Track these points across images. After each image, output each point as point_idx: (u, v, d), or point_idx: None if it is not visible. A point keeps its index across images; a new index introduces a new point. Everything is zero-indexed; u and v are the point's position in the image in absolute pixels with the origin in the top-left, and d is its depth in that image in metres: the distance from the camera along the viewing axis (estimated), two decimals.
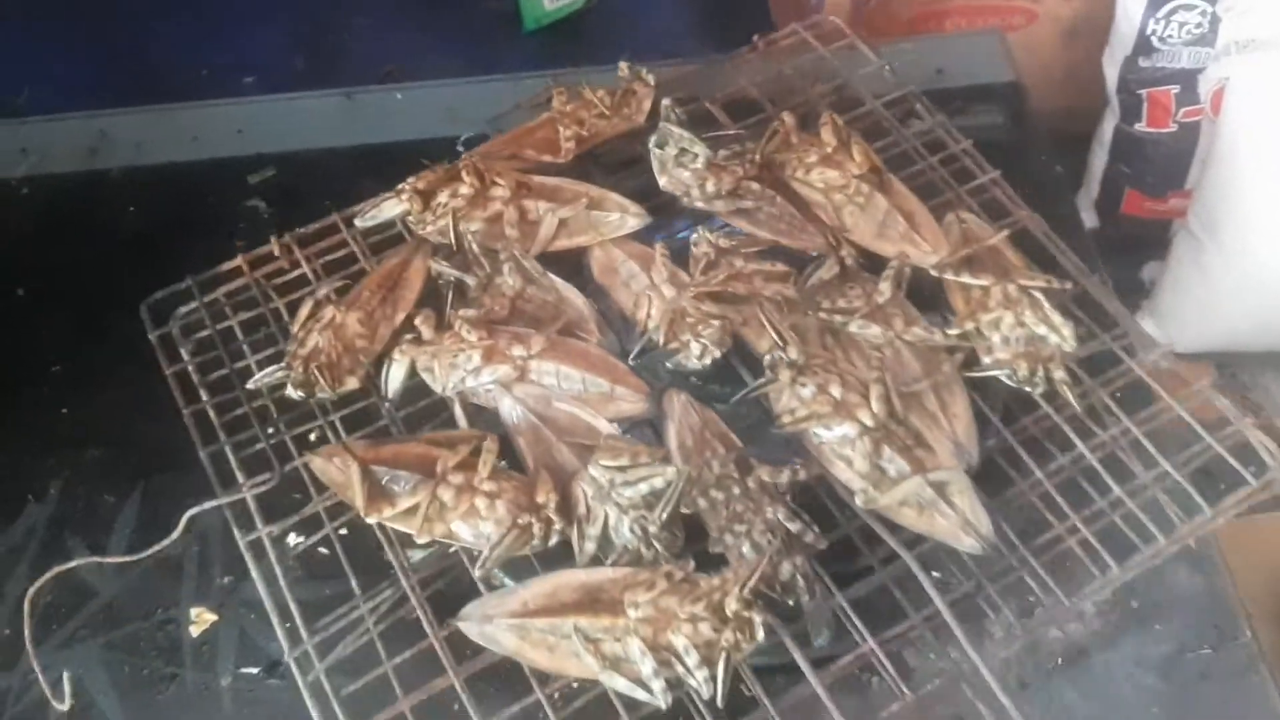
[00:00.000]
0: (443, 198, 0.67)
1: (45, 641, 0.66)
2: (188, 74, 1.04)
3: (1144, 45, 1.05)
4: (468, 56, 1.14)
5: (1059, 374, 0.59)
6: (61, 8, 1.08)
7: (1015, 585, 0.55)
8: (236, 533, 0.59)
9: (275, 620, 0.56)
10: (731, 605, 0.48)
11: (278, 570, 0.57)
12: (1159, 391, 0.59)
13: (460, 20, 1.18)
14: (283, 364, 0.62)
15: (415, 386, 0.62)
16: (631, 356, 0.61)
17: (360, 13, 1.17)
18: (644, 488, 0.52)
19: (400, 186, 0.67)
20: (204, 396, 0.63)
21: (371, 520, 0.56)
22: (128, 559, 0.65)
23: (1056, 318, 0.59)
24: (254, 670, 0.64)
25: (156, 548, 0.63)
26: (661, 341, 0.60)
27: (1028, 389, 0.59)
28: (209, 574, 0.68)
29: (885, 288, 0.61)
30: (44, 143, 0.92)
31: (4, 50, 0.98)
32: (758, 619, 0.49)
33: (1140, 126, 1.10)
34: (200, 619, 0.66)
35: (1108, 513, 0.56)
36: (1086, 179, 1.18)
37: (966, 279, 0.61)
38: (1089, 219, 1.19)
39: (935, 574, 0.55)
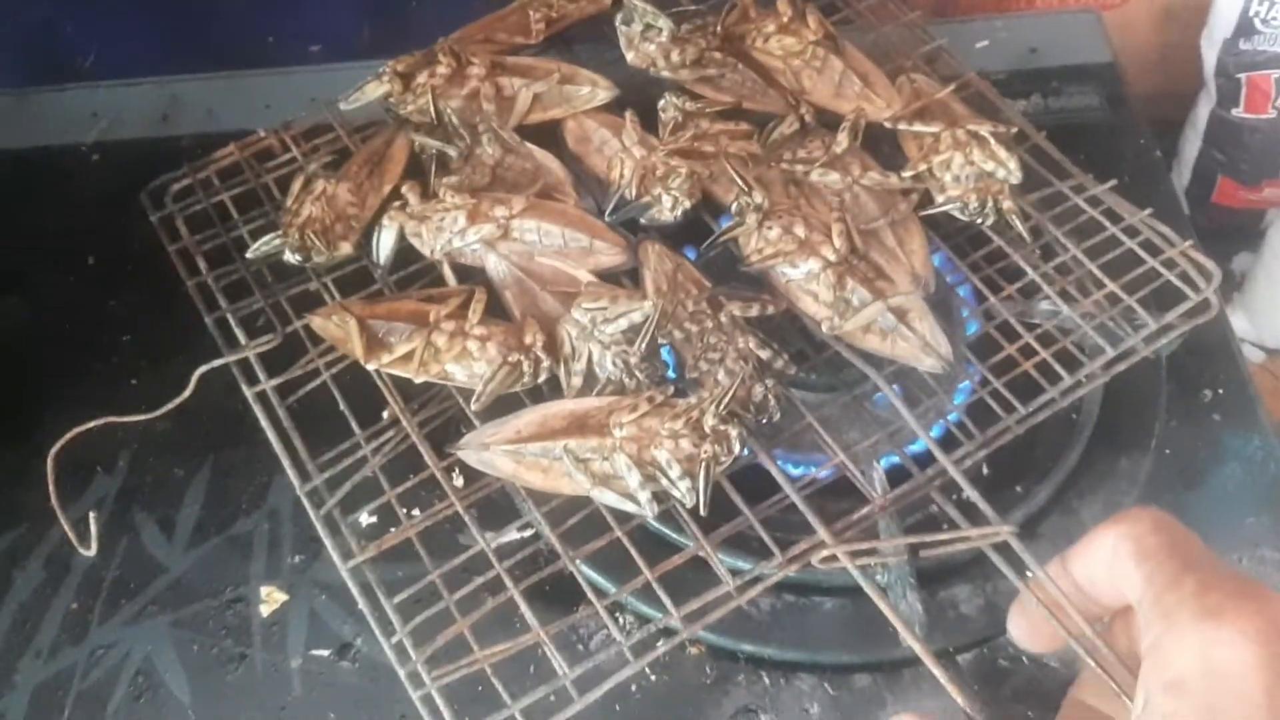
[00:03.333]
0: (421, 78, 0.69)
1: (113, 617, 0.66)
2: (254, 40, 1.02)
3: (1245, 27, 1.01)
4: None
5: (1007, 204, 0.62)
6: None
7: (976, 405, 0.58)
8: (243, 386, 0.60)
9: (285, 463, 0.57)
10: (709, 421, 0.52)
11: (282, 415, 0.59)
12: (1102, 221, 0.62)
13: None
14: (279, 232, 0.64)
15: (405, 251, 0.64)
16: (608, 214, 0.64)
17: None
18: (623, 323, 0.56)
19: (380, 70, 0.70)
20: (204, 268, 0.65)
21: (371, 367, 0.58)
22: (144, 416, 0.67)
23: (1002, 153, 0.62)
24: (325, 653, 0.64)
25: (171, 404, 0.66)
26: (634, 195, 0.63)
27: (979, 221, 0.62)
28: (279, 552, 0.68)
29: (843, 138, 0.64)
30: (115, 108, 0.91)
31: (69, 13, 0.97)
32: (734, 433, 0.52)
33: (1237, 112, 1.07)
34: (270, 598, 0.65)
35: (1058, 338, 0.59)
36: (1177, 166, 1.15)
37: (919, 127, 0.65)
38: None
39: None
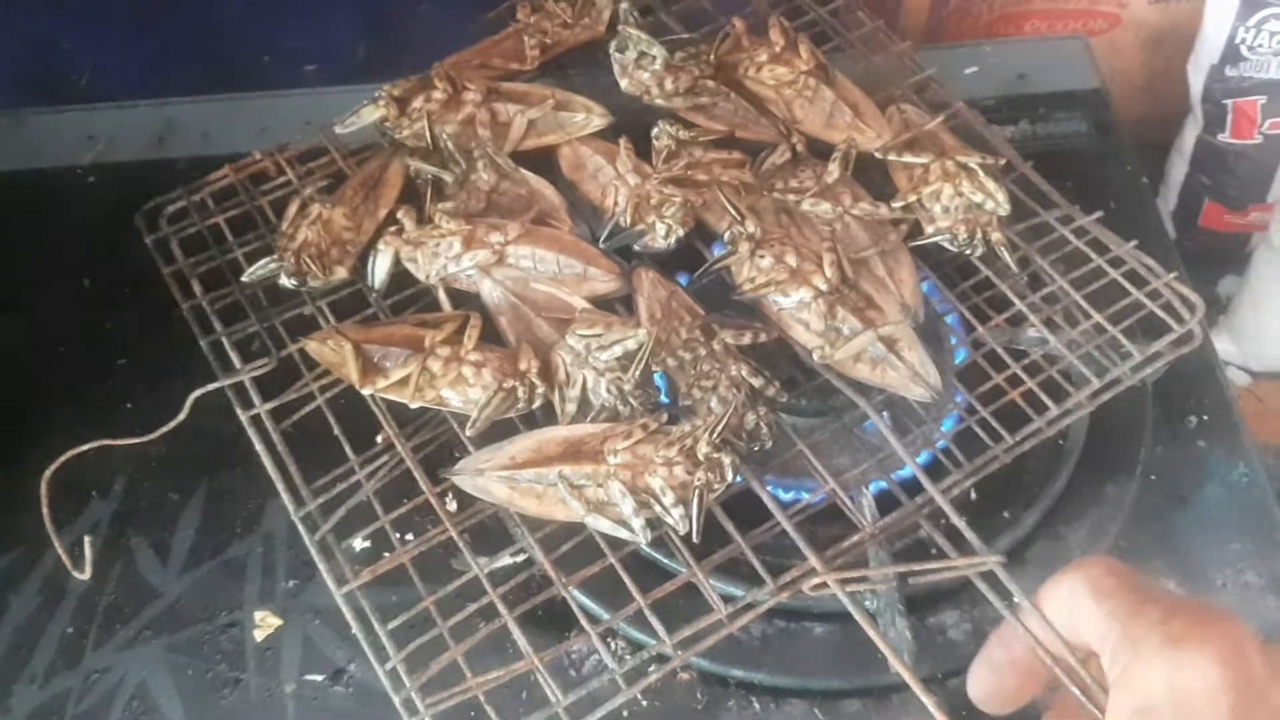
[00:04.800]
0: (417, 103, 0.69)
1: (107, 642, 0.66)
2: (250, 60, 1.02)
3: (1232, 54, 1.02)
4: None
5: (996, 235, 0.63)
6: None
7: (964, 433, 0.58)
8: (238, 410, 0.61)
9: (280, 488, 0.57)
10: (703, 449, 0.53)
11: (276, 439, 0.59)
12: (1088, 253, 0.63)
13: None
14: (274, 256, 0.64)
15: (400, 276, 0.64)
16: (602, 240, 0.64)
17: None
18: (617, 349, 0.56)
19: (376, 94, 0.70)
20: (198, 291, 0.66)
21: (366, 392, 0.58)
22: (139, 440, 0.68)
23: (990, 184, 0.63)
24: (318, 678, 0.64)
25: (166, 427, 0.66)
26: (628, 222, 0.63)
27: (967, 252, 0.63)
28: (273, 577, 0.68)
29: (834, 168, 0.65)
30: (111, 130, 0.92)
31: (63, 32, 0.97)
32: (727, 460, 0.53)
33: (1224, 137, 1.08)
34: (265, 623, 0.66)
35: (1044, 367, 0.60)
36: (1164, 190, 1.16)
37: (909, 158, 0.66)
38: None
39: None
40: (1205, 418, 0.73)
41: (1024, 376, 0.59)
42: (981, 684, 0.45)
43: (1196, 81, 1.07)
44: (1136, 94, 1.11)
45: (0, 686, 0.64)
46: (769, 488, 0.56)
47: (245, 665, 0.65)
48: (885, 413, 0.59)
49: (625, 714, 0.61)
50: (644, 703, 0.62)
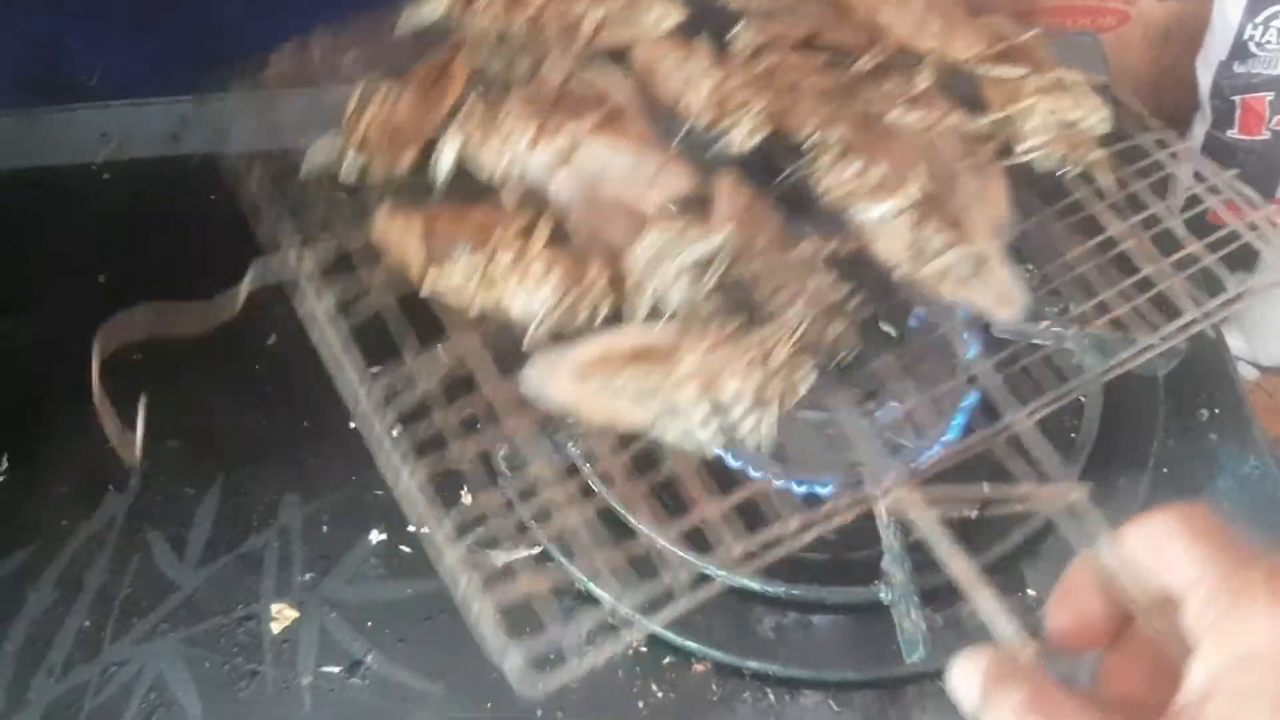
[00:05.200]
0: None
1: (124, 635, 0.66)
2: (261, 58, 1.02)
3: (1241, 50, 1.02)
4: None
5: (1094, 154, 0.60)
6: None
7: (1058, 352, 0.57)
8: (298, 300, 0.59)
9: (346, 375, 0.55)
10: (780, 356, 0.50)
11: (335, 331, 0.57)
12: (1184, 179, 0.62)
13: None
14: (337, 136, 0.62)
15: (462, 180, 0.62)
16: (677, 141, 0.61)
17: None
18: (695, 252, 0.53)
19: None
20: (257, 181, 0.64)
21: (426, 283, 0.56)
22: (194, 334, 0.64)
23: (1091, 99, 0.60)
24: (335, 669, 0.64)
25: (218, 321, 0.62)
26: (708, 121, 0.60)
27: (1061, 171, 0.60)
28: (289, 570, 0.68)
29: (924, 77, 0.62)
30: (125, 128, 0.92)
31: (74, 31, 0.97)
32: (804, 369, 0.50)
33: (1232, 133, 1.07)
34: (281, 615, 0.66)
35: (1135, 294, 0.58)
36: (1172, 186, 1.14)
37: (1003, 71, 0.62)
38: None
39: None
40: (1216, 411, 0.73)
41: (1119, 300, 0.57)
42: (1063, 615, 0.43)
43: (1205, 78, 1.07)
44: (1146, 90, 1.11)
45: (19, 679, 0.65)
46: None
47: (262, 658, 0.65)
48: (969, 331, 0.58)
49: (640, 704, 0.62)
50: (659, 694, 0.62)
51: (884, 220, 0.56)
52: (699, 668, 0.63)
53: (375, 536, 0.68)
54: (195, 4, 0.97)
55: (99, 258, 0.84)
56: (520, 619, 0.48)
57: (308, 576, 0.68)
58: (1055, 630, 0.42)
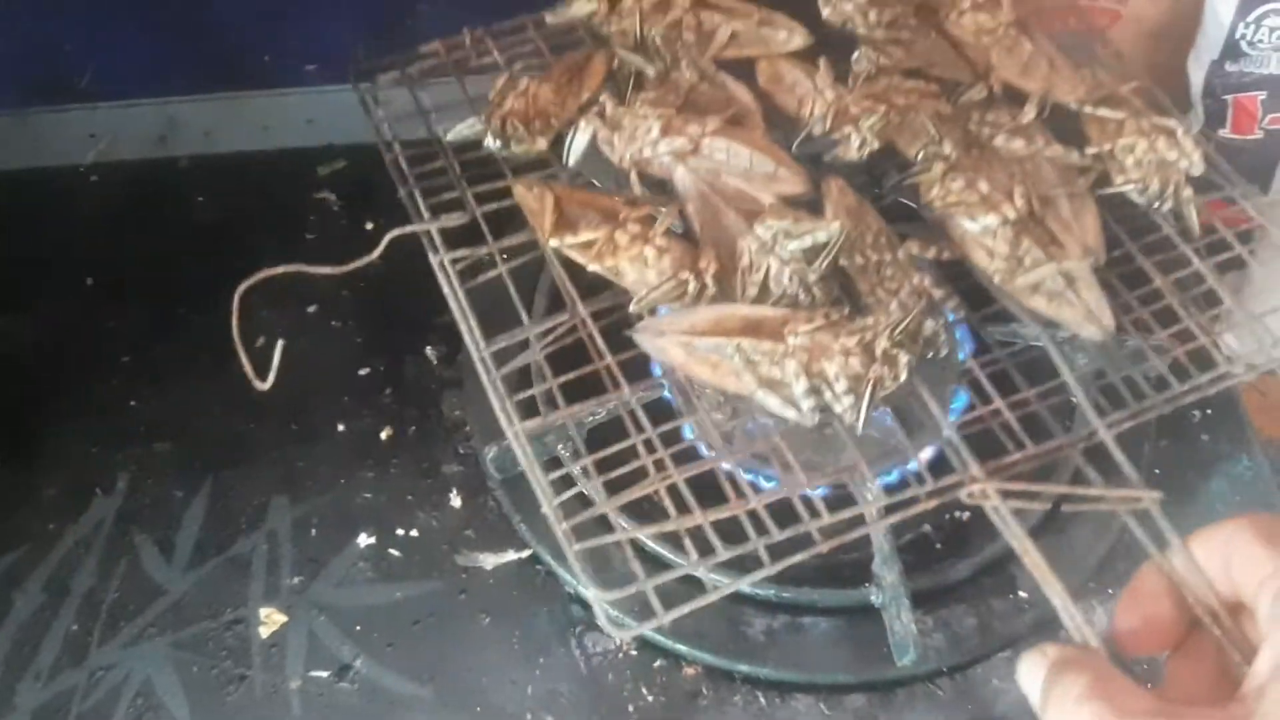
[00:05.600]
0: (629, 1, 0.71)
1: (112, 639, 0.66)
2: (251, 60, 1.02)
3: (1232, 49, 1.02)
4: None
5: (1187, 192, 0.64)
6: None
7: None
8: (430, 256, 0.60)
9: (466, 328, 0.56)
10: (881, 345, 0.53)
11: (459, 288, 0.58)
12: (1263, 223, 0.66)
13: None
14: (481, 118, 0.65)
15: (592, 165, 0.64)
16: (795, 145, 0.65)
17: None
18: (807, 240, 0.56)
19: None
20: (396, 149, 0.65)
21: (553, 243, 0.58)
22: (334, 270, 0.63)
23: (1188, 144, 0.64)
24: (324, 674, 0.64)
25: (360, 262, 0.62)
26: (824, 129, 0.65)
27: (1155, 205, 0.63)
28: (278, 573, 0.68)
29: (1029, 110, 0.66)
30: (113, 129, 0.92)
31: (66, 32, 0.97)
32: (903, 358, 0.53)
33: (1224, 132, 1.07)
34: (270, 619, 0.66)
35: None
36: None
37: (1105, 112, 0.66)
38: None
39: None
40: (1209, 411, 0.73)
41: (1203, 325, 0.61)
42: (1131, 616, 0.42)
43: (1197, 77, 1.07)
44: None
45: (5, 684, 0.64)
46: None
47: (250, 662, 0.65)
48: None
49: (631, 708, 0.61)
50: (649, 698, 0.62)
51: (985, 232, 0.60)
52: (690, 671, 0.63)
53: (364, 540, 0.67)
54: (187, 6, 0.97)
55: (88, 259, 0.84)
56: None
57: (296, 580, 0.68)
58: (1122, 632, 0.42)
